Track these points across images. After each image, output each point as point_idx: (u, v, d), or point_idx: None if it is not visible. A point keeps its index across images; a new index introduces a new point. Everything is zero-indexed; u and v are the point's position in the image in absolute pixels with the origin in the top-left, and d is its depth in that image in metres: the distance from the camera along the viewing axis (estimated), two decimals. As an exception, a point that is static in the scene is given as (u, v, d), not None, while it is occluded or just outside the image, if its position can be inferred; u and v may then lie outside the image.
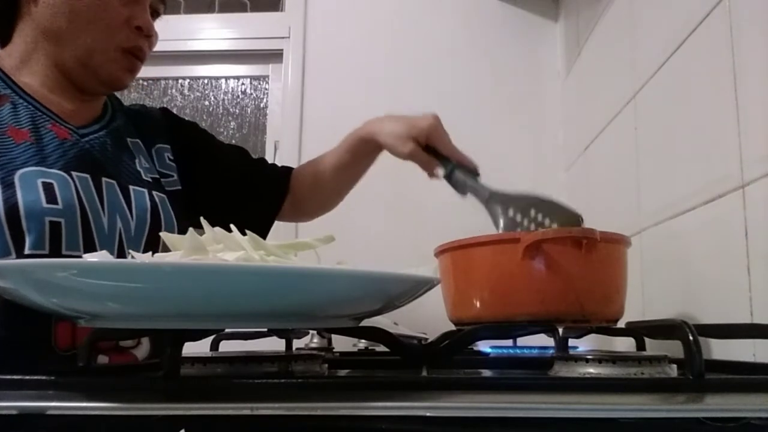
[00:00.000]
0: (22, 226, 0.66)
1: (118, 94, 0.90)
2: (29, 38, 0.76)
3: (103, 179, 0.75)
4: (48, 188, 0.68)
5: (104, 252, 0.57)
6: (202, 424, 0.38)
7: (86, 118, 0.80)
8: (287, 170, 1.01)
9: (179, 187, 0.88)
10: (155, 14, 0.83)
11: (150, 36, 0.80)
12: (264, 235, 0.96)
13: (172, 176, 0.88)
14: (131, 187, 0.78)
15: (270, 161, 1.04)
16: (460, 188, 0.81)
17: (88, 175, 0.73)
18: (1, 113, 0.72)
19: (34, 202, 0.67)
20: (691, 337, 0.44)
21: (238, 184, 0.95)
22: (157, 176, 0.85)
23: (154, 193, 0.81)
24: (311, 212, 1.04)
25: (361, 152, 0.93)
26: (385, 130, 0.87)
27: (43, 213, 0.67)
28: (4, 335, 0.66)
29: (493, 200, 0.75)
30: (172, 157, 0.89)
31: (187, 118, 0.99)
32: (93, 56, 0.76)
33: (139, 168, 0.82)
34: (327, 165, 0.96)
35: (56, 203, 0.68)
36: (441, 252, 0.69)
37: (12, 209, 0.65)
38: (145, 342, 0.76)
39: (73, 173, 0.72)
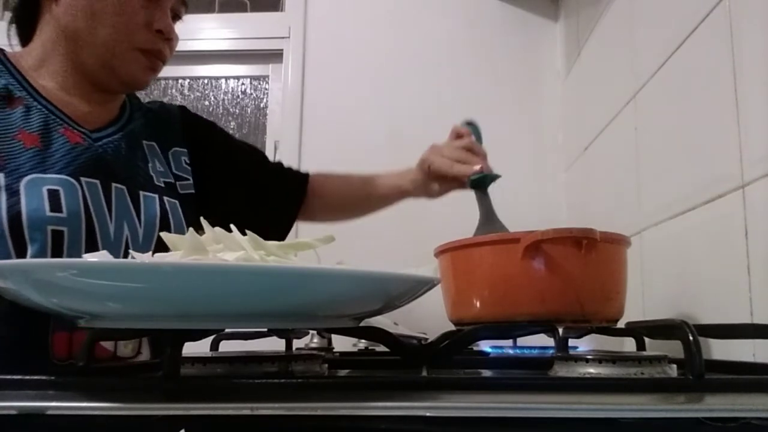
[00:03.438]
0: (24, 235, 0.65)
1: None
2: (49, 37, 0.76)
3: (113, 185, 0.74)
4: (53, 195, 0.67)
5: (104, 252, 0.57)
6: (202, 424, 0.38)
7: (102, 120, 0.79)
8: (304, 177, 1.00)
9: (193, 191, 0.87)
10: (176, 18, 0.82)
11: (170, 39, 0.79)
12: (282, 239, 0.97)
13: (188, 179, 0.87)
14: (142, 193, 0.77)
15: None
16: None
17: (97, 181, 0.72)
18: (13, 116, 0.71)
19: (36, 210, 0.66)
20: (691, 337, 0.44)
21: (255, 189, 0.95)
22: (172, 180, 0.84)
23: (166, 198, 0.80)
24: (322, 220, 1.05)
25: (390, 201, 1.00)
26: (419, 192, 0.95)
27: (45, 221, 0.66)
28: (1, 344, 0.65)
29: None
30: (188, 161, 0.88)
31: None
32: (113, 56, 0.75)
33: (152, 173, 0.81)
34: (352, 191, 1.00)
35: (60, 211, 0.67)
36: (441, 252, 0.69)
37: (15, 217, 0.65)
38: (145, 351, 0.76)
39: (82, 179, 0.71)
